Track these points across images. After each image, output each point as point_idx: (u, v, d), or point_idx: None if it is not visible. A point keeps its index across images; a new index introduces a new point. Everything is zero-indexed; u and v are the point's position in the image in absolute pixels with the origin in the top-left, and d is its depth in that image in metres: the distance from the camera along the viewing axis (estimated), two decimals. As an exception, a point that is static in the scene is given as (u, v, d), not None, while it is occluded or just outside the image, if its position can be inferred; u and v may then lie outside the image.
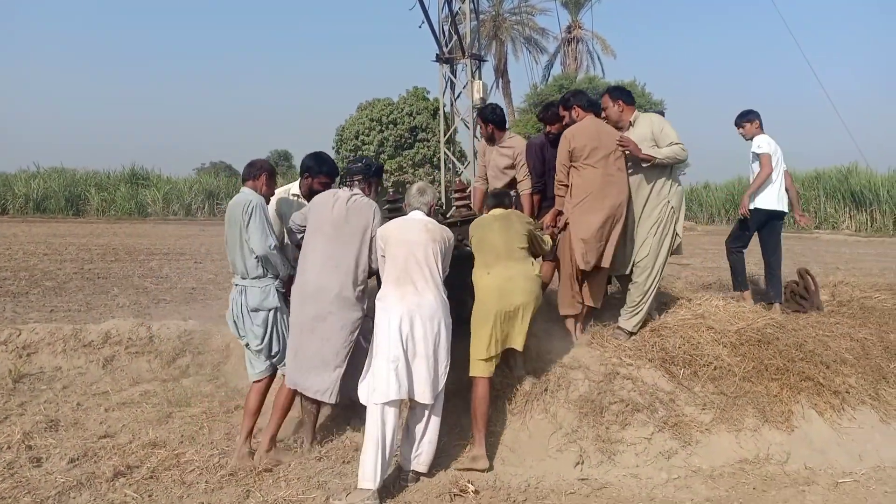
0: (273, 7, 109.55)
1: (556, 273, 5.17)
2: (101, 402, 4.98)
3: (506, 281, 4.12)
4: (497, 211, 4.46)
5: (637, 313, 4.87)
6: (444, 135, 15.74)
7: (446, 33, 15.05)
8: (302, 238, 4.24)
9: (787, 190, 5.91)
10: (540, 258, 4.81)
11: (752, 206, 5.82)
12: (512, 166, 5.50)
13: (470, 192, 5.50)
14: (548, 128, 5.36)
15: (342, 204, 4.13)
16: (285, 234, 4.49)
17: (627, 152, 4.74)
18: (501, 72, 36.81)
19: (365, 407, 3.74)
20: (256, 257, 4.12)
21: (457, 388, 4.25)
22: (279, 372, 4.26)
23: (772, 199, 5.78)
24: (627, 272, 4.94)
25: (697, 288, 7.26)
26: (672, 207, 4.86)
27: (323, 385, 4.01)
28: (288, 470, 3.89)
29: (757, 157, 5.79)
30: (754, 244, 6.01)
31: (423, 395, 3.75)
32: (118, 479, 3.75)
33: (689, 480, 3.95)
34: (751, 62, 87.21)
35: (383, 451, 3.61)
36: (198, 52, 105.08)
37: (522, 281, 4.15)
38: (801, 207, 7.15)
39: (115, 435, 4.40)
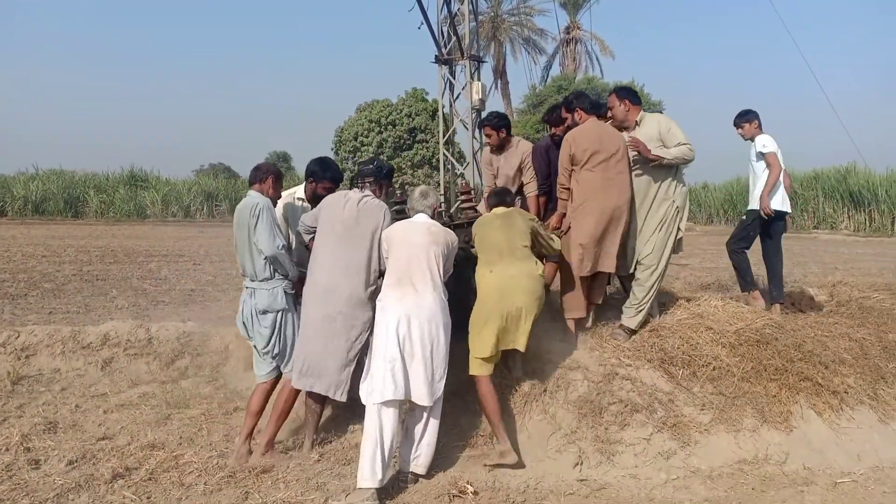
0: (273, 7, 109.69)
1: (557, 274, 5.16)
2: (99, 404, 4.98)
3: (508, 279, 4.10)
4: (499, 209, 4.45)
5: (640, 311, 4.87)
6: (443, 136, 15.71)
7: (445, 34, 15.03)
8: (312, 239, 4.25)
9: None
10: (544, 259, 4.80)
11: (751, 207, 5.82)
12: (520, 170, 5.53)
13: (475, 194, 5.51)
14: (553, 130, 5.37)
15: (353, 205, 4.14)
16: (292, 237, 4.51)
17: (636, 154, 4.74)
18: (500, 73, 36.86)
19: (364, 408, 3.75)
20: (265, 259, 4.14)
21: (456, 388, 4.25)
22: (283, 375, 4.27)
23: (776, 199, 5.76)
24: (630, 272, 4.95)
25: (696, 288, 7.28)
26: (677, 207, 4.88)
27: (333, 382, 4.02)
28: (287, 471, 3.88)
29: (762, 156, 5.75)
30: (753, 244, 6.00)
31: (421, 396, 3.75)
32: (117, 480, 3.75)
33: (687, 481, 3.94)
34: (750, 62, 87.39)
35: (382, 450, 3.60)
36: (197, 52, 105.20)
37: (525, 280, 4.13)
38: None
39: (113, 437, 4.40)
